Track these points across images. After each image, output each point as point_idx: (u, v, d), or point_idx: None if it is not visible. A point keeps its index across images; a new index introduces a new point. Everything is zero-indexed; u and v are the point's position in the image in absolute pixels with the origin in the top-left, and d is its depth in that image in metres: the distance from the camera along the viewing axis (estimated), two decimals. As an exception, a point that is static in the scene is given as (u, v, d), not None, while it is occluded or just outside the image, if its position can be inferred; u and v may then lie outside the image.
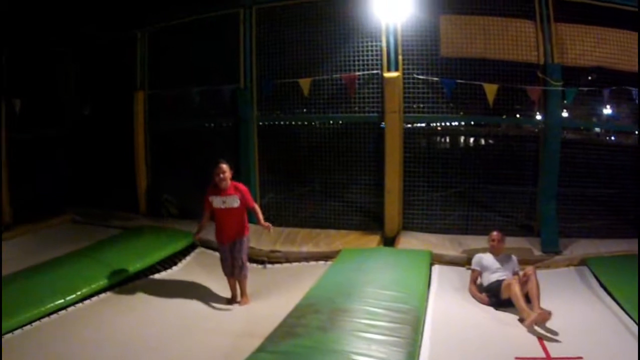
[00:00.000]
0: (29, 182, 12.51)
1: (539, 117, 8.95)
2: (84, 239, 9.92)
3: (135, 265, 7.88)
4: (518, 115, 9.41)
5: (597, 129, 10.27)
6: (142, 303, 6.97)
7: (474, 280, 6.54)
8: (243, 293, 7.54)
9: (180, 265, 8.67)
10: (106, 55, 12.58)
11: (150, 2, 11.18)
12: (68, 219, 12.04)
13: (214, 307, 6.98)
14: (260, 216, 7.38)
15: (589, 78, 8.85)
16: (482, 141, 10.17)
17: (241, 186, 7.41)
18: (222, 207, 7.25)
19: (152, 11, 11.47)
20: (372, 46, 9.28)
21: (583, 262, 7.48)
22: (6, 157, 11.57)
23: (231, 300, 7.55)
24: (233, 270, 7.42)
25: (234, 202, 7.23)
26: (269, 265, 8.76)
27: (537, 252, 7.79)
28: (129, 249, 8.70)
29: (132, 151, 11.87)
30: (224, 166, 7.26)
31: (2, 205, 11.49)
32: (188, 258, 8.99)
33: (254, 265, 8.71)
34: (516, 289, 5.65)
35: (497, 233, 6.77)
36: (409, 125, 9.38)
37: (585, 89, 8.43)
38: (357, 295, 5.88)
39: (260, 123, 10.37)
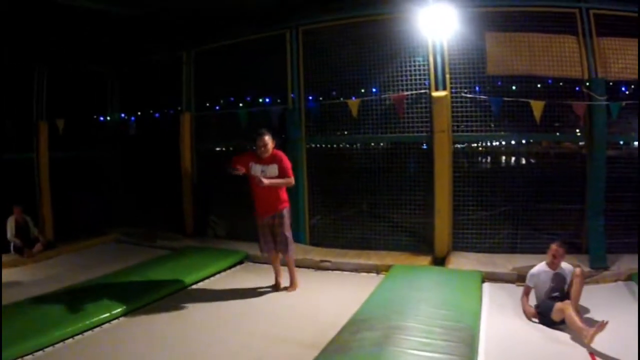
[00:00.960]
0: (73, 201, 12.98)
1: (583, 133, 9.02)
2: (129, 258, 10.41)
3: (182, 282, 8.29)
4: (563, 132, 9.47)
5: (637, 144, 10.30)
6: (190, 310, 7.28)
7: (526, 294, 6.62)
8: (292, 278, 7.86)
9: (224, 273, 9.15)
10: (152, 77, 13.05)
11: (196, 24, 11.53)
12: (112, 238, 12.65)
13: (262, 313, 7.12)
14: (283, 181, 7.44)
15: (627, 92, 9.02)
16: (529, 159, 10.33)
17: (281, 154, 7.57)
18: (260, 176, 7.36)
19: (197, 33, 11.90)
20: (419, 65, 9.49)
21: (629, 277, 7.64)
22: (48, 176, 12.24)
23: (276, 287, 7.94)
24: (275, 247, 7.70)
25: (273, 171, 7.42)
26: (319, 271, 9.15)
27: (585, 269, 7.79)
28: (176, 268, 9.09)
29: (178, 172, 12.27)
30: (266, 137, 7.45)
31: (44, 223, 12.13)
32: (234, 268, 9.44)
33: (303, 269, 9.15)
34: (570, 312, 5.71)
35: (557, 247, 6.53)
36: (458, 144, 9.56)
37: (625, 102, 8.49)
38: (411, 312, 6.00)
39: (309, 144, 10.64)
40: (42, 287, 8.54)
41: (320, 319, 6.73)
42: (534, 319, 6.28)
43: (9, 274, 9.84)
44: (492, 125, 9.31)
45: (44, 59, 12.45)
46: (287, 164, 7.53)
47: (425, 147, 9.71)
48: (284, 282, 8.01)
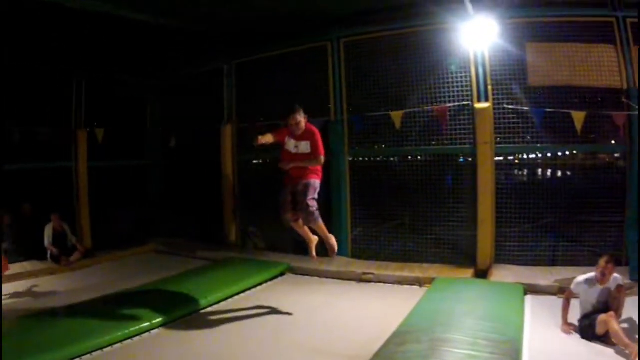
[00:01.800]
0: (111, 210, 13.45)
1: (621, 143, 9.10)
2: (168, 269, 10.81)
3: (223, 293, 8.61)
4: (601, 143, 9.59)
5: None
6: (231, 322, 7.53)
7: (567, 298, 6.69)
8: (327, 243, 7.78)
9: (266, 285, 9.51)
10: (193, 88, 13.53)
11: (238, 36, 11.91)
12: (151, 248, 13.11)
13: (305, 325, 7.31)
14: (310, 163, 7.42)
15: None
16: (569, 170, 10.33)
17: (314, 131, 7.52)
18: (294, 151, 7.50)
19: (239, 45, 12.29)
20: (461, 76, 9.77)
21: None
22: (87, 185, 12.70)
23: (310, 249, 8.03)
24: (295, 214, 7.55)
25: (306, 148, 7.45)
26: (362, 284, 9.48)
27: (625, 281, 7.70)
28: (216, 279, 9.43)
29: (219, 183, 12.66)
30: (298, 116, 7.39)
31: (83, 231, 12.56)
32: (276, 280, 9.78)
33: (346, 281, 9.69)
34: (615, 326, 5.78)
35: (606, 263, 6.35)
36: (500, 157, 9.79)
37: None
38: (456, 325, 6.18)
39: (351, 156, 10.96)
40: (78, 295, 8.97)
41: (364, 331, 6.91)
42: (573, 332, 6.44)
43: (45, 282, 10.35)
44: (533, 137, 9.48)
45: (84, 68, 12.90)
46: (319, 141, 7.49)
47: (466, 159, 9.98)
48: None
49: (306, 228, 7.85)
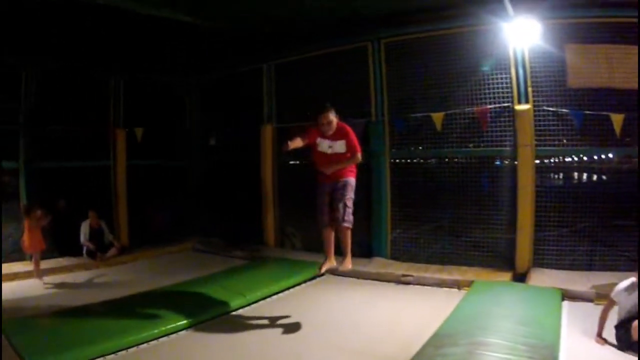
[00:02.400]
0: (149, 209, 13.96)
1: None
2: (206, 267, 11.20)
3: (261, 293, 8.89)
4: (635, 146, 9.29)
5: None
6: (269, 321, 7.74)
7: (607, 308, 6.60)
8: (345, 253, 7.60)
9: (304, 285, 9.81)
10: (233, 88, 13.91)
11: (277, 36, 12.20)
12: (188, 247, 13.55)
13: (343, 326, 7.49)
14: (349, 162, 7.34)
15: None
16: (607, 174, 10.40)
17: (347, 129, 7.37)
18: (328, 152, 7.37)
19: (278, 45, 12.57)
20: (501, 78, 9.93)
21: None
22: (125, 183, 13.23)
23: (324, 265, 7.74)
24: (331, 218, 7.41)
25: (341, 147, 7.32)
26: (401, 285, 9.71)
27: None
28: (254, 278, 9.75)
29: (258, 183, 12.98)
30: (330, 114, 7.26)
31: (120, 229, 13.08)
32: (314, 280, 10.01)
33: (384, 282, 9.88)
34: None
35: None
36: (539, 159, 9.89)
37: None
38: (494, 328, 6.32)
39: (392, 157, 11.15)
40: (113, 291, 9.40)
41: (403, 332, 7.08)
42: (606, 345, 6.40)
43: (80, 277, 10.92)
44: (572, 140, 9.55)
45: (123, 67, 13.35)
46: (355, 139, 7.37)
47: (503, 162, 10.21)
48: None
49: (331, 240, 7.68)
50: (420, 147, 11.18)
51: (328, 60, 12.10)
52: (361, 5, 10.39)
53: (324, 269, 7.91)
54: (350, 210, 7.34)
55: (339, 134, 7.36)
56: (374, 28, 11.18)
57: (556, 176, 10.64)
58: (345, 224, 7.33)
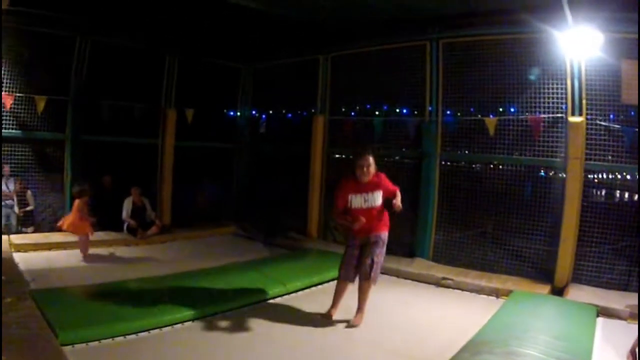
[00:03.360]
0: (194, 190, 14.71)
1: None
2: (246, 253, 11.83)
3: (300, 283, 9.31)
4: None
5: None
6: (306, 312, 8.06)
7: None
8: (361, 307, 7.50)
9: None
10: (286, 77, 14.43)
11: (335, 29, 12.65)
12: (229, 231, 14.20)
13: (381, 325, 7.65)
14: (398, 199, 7.26)
15: None
16: None
17: (382, 177, 7.34)
18: (363, 207, 7.22)
19: (336, 37, 12.97)
20: (556, 88, 10.17)
21: None
22: (172, 163, 13.84)
23: (326, 315, 7.64)
24: (356, 273, 7.41)
25: (377, 199, 7.22)
26: (440, 288, 10.06)
27: None
28: (295, 268, 10.16)
29: (306, 173, 13.43)
30: (370, 157, 7.18)
31: (163, 208, 13.74)
32: None
33: (424, 284, 10.24)
34: None
35: None
36: (588, 173, 10.01)
37: None
38: (530, 340, 6.55)
39: (442, 159, 11.47)
40: (151, 269, 10.06)
41: (440, 336, 7.35)
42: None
43: (119, 252, 11.53)
44: (623, 156, 9.65)
45: (178, 47, 14.01)
46: (391, 185, 7.41)
47: (554, 173, 10.39)
48: (339, 314, 7.78)
49: (343, 295, 7.69)
50: (471, 151, 11.40)
51: (385, 56, 12.43)
52: (422, 5, 10.80)
53: (333, 315, 7.71)
54: (378, 268, 7.39)
55: (374, 184, 7.29)
56: (434, 27, 11.51)
57: (602, 192, 10.67)
58: (371, 279, 7.36)
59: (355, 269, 7.43)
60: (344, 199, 7.27)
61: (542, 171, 10.63)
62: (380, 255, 7.33)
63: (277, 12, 11.74)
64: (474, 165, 11.72)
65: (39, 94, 12.28)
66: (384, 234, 7.37)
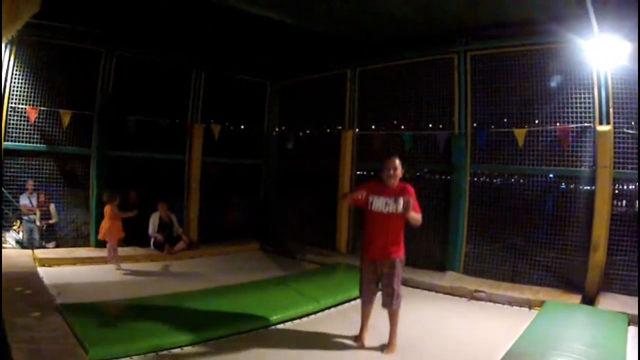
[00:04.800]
0: (221, 206, 15.24)
1: None
2: (275, 268, 12.23)
3: (335, 298, 9.54)
4: None
5: None
6: (339, 328, 8.23)
7: None
8: (392, 336, 7.49)
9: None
10: (314, 92, 14.89)
11: (363, 43, 13.08)
12: (257, 247, 14.58)
13: (416, 339, 7.87)
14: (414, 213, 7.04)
15: None
16: None
17: (409, 187, 7.25)
18: (384, 211, 7.19)
19: (363, 51, 13.40)
20: (584, 97, 10.54)
21: None
22: (199, 178, 14.34)
23: (357, 340, 7.69)
24: (375, 294, 7.52)
25: (398, 206, 7.05)
26: (472, 301, 10.36)
27: None
28: (325, 284, 10.42)
29: (335, 189, 13.80)
30: (397, 161, 7.22)
31: (190, 223, 14.20)
32: None
33: (456, 297, 10.53)
34: None
35: None
36: (616, 182, 10.40)
37: None
38: (566, 350, 6.87)
39: (472, 171, 11.83)
40: (180, 284, 10.35)
41: (475, 349, 7.61)
42: None
43: (146, 267, 12.02)
44: None
45: (206, 62, 14.56)
46: (415, 199, 7.20)
47: (583, 183, 10.70)
48: (371, 339, 7.76)
49: (368, 317, 7.71)
50: (501, 163, 11.67)
51: (413, 69, 12.86)
52: (449, 18, 11.24)
53: (365, 339, 7.73)
54: (399, 294, 7.34)
55: (398, 190, 7.23)
56: (462, 40, 11.93)
57: (630, 200, 10.89)
58: (394, 307, 7.35)
59: (374, 292, 7.58)
60: (365, 196, 7.32)
61: (570, 181, 10.94)
62: (398, 281, 7.34)
63: (311, 27, 12.21)
64: (503, 177, 12.21)
65: (64, 108, 12.83)
66: (399, 260, 7.34)
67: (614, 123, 10.32)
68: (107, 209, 11.62)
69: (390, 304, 7.26)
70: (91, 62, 13.25)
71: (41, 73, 12.64)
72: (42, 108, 12.81)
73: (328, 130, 14.99)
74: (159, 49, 13.98)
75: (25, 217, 12.31)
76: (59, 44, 12.74)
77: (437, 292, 10.84)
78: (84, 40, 12.97)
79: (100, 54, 13.32)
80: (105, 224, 11.65)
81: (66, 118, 12.77)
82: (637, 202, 10.05)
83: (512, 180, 11.99)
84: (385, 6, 10.76)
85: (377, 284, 7.49)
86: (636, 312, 8.76)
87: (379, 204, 7.20)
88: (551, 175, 11.22)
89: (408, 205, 6.89)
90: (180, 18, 12.02)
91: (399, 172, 7.24)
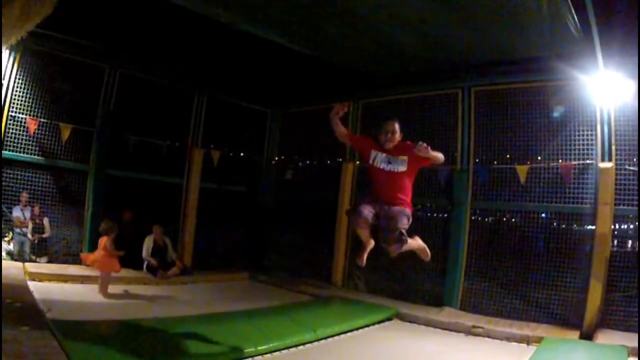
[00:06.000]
0: (216, 233, 15.05)
1: None
2: (269, 298, 11.96)
3: (326, 331, 9.16)
4: None
5: None
6: (340, 358, 8.22)
7: None
8: (422, 251, 7.27)
9: (373, 327, 10.24)
10: (314, 122, 14.69)
11: (366, 76, 13.18)
12: (251, 276, 14.44)
13: None
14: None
15: None
16: None
17: (410, 145, 6.63)
18: (386, 168, 6.72)
19: (366, 85, 13.52)
20: (586, 134, 10.57)
21: None
22: (197, 204, 14.23)
23: (364, 252, 7.17)
24: (372, 220, 6.58)
25: (401, 165, 6.66)
26: (470, 336, 10.19)
27: None
28: (320, 315, 10.28)
29: (332, 221, 13.73)
30: (396, 124, 6.80)
31: (184, 248, 14.04)
32: (383, 324, 10.56)
33: (454, 332, 10.34)
34: None
35: None
36: (616, 219, 10.34)
37: None
38: None
39: (473, 208, 11.83)
40: (172, 309, 10.14)
41: None
42: None
43: (138, 290, 11.80)
44: None
45: (208, 87, 14.57)
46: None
47: (584, 220, 10.68)
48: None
49: (368, 235, 6.98)
50: (502, 199, 11.67)
51: (416, 103, 12.90)
52: (455, 53, 11.27)
53: (364, 258, 7.24)
54: (405, 237, 6.54)
55: (400, 150, 6.75)
56: (466, 75, 11.99)
57: (629, 237, 10.79)
58: (398, 248, 6.58)
59: (372, 213, 6.56)
60: (364, 143, 7.08)
61: (571, 218, 10.92)
62: (404, 224, 6.53)
63: (318, 54, 12.19)
64: (504, 213, 12.11)
65: (65, 122, 12.72)
66: (407, 210, 6.66)
67: (616, 160, 10.33)
68: (103, 241, 11.17)
69: (395, 244, 6.47)
70: (94, 78, 13.21)
71: (44, 84, 12.56)
72: (42, 120, 12.72)
73: (328, 162, 14.91)
74: (163, 69, 14.00)
75: (17, 230, 12.13)
76: (64, 57, 12.68)
77: (434, 327, 10.73)
78: (88, 55, 12.95)
79: (104, 70, 13.30)
80: (96, 254, 11.18)
81: (66, 132, 12.70)
82: (637, 238, 9.92)
83: (513, 217, 11.88)
84: (393, 38, 10.79)
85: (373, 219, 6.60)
86: (635, 345, 8.62)
87: (382, 160, 6.74)
88: (543, 215, 11.28)
89: (424, 150, 6.32)
90: (187, 38, 12.03)
91: (398, 135, 6.79)
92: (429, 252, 7.33)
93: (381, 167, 6.71)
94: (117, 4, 10.79)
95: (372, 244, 7.10)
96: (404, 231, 6.52)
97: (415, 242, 7.04)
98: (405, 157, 6.65)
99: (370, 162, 6.81)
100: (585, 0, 8.05)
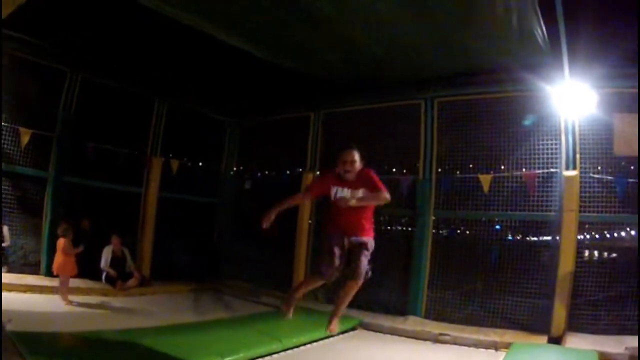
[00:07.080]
0: (175, 243, 14.80)
1: None
2: (229, 309, 12.10)
3: (288, 342, 8.99)
4: None
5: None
6: None
7: None
8: (336, 313, 7.11)
9: (336, 338, 9.90)
10: (275, 133, 14.89)
11: (328, 85, 13.07)
12: (210, 287, 14.28)
13: None
14: (376, 198, 6.55)
15: None
16: None
17: (369, 173, 6.67)
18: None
19: (328, 95, 13.48)
20: (550, 143, 10.69)
21: None
22: (155, 213, 13.99)
23: (285, 313, 7.08)
24: (336, 272, 6.56)
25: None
26: (437, 344, 10.11)
27: None
28: (281, 326, 9.69)
29: (294, 232, 13.67)
30: (355, 153, 6.69)
31: (142, 259, 13.80)
32: (347, 334, 10.49)
33: (421, 340, 10.26)
34: None
35: None
36: (581, 225, 10.34)
37: None
38: None
39: (435, 216, 11.83)
40: (131, 321, 9.93)
41: None
42: None
43: (96, 301, 11.52)
44: (617, 207, 10.06)
45: (169, 94, 14.41)
46: (379, 181, 6.58)
47: (551, 226, 10.65)
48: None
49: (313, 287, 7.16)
50: (465, 209, 11.69)
51: (379, 113, 12.89)
52: (420, 63, 11.22)
53: (291, 313, 7.13)
54: (364, 269, 6.59)
55: (360, 181, 6.68)
56: (429, 87, 12.01)
57: (594, 243, 10.92)
58: (359, 280, 6.56)
59: (338, 262, 6.54)
60: (322, 187, 7.00)
61: (536, 225, 10.93)
62: (366, 259, 6.61)
63: (280, 61, 11.94)
64: (468, 222, 12.02)
65: (24, 127, 12.26)
66: (371, 240, 6.73)
67: (581, 168, 10.43)
68: (60, 243, 11.11)
69: (360, 275, 6.50)
70: (55, 82, 12.82)
71: (3, 86, 11.84)
72: (2, 124, 12.03)
73: (288, 172, 14.84)
74: (124, 75, 13.71)
75: (-28, 239, 11.71)
76: (24, 58, 12.21)
77: (399, 335, 10.66)
78: (49, 57, 12.58)
79: (65, 74, 12.94)
80: (58, 258, 11.10)
81: (25, 137, 12.23)
82: (637, 244, 9.66)
83: (477, 225, 11.74)
84: (357, 44, 10.68)
85: (341, 258, 6.59)
86: (604, 349, 8.81)
87: (342, 195, 6.64)
88: (507, 224, 11.33)
89: (368, 198, 6.53)
90: (150, 43, 11.77)
91: (357, 165, 6.69)
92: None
93: (344, 197, 6.62)
94: (79, 6, 10.56)
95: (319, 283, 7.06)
96: (365, 262, 6.58)
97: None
98: (366, 188, 6.59)
99: (332, 199, 6.74)
100: (556, 11, 8.16)
